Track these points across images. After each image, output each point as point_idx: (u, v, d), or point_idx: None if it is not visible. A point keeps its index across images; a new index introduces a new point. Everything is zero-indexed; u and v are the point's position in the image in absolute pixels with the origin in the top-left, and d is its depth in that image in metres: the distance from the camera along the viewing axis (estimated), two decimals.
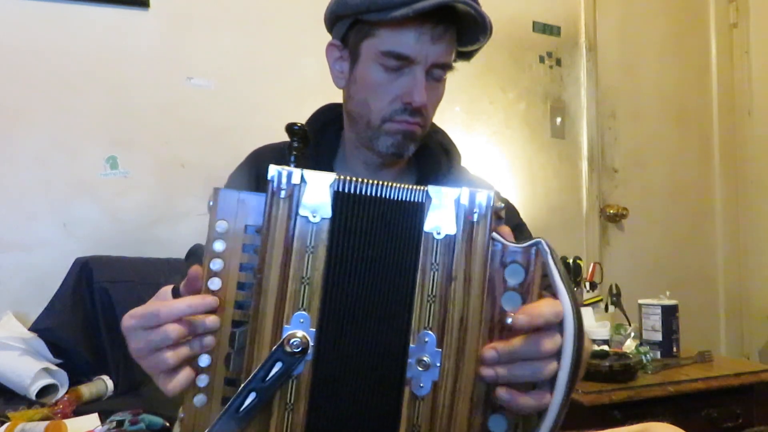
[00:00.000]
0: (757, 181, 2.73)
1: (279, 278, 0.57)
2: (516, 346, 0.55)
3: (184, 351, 0.57)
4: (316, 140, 0.96)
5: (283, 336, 0.56)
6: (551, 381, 0.54)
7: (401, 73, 0.85)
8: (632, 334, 1.88)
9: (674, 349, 1.83)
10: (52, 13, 1.76)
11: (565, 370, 0.53)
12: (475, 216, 0.57)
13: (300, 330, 0.57)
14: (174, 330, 0.56)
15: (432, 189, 0.58)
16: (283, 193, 0.57)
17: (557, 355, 0.54)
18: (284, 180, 0.57)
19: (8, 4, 1.72)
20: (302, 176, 0.58)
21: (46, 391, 1.41)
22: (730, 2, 2.80)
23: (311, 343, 0.57)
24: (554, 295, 0.55)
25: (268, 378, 0.56)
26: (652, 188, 2.64)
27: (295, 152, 0.62)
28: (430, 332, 0.57)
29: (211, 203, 0.59)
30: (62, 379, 1.45)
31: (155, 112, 1.86)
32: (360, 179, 0.59)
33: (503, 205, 0.59)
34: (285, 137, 1.01)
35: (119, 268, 1.67)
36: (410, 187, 0.59)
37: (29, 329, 1.55)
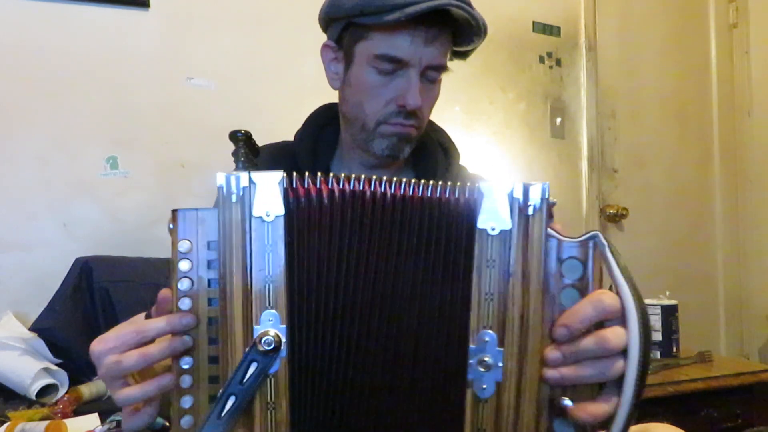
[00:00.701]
0: (757, 181, 2.73)
1: (242, 280, 0.57)
2: (580, 344, 0.52)
3: (159, 380, 0.58)
4: (313, 140, 0.96)
5: (255, 336, 0.56)
6: (618, 382, 0.52)
7: (395, 75, 0.85)
8: None
9: (674, 349, 1.83)
10: (52, 13, 1.76)
11: (633, 367, 0.51)
12: (530, 209, 0.55)
13: (271, 328, 0.56)
14: (155, 351, 0.57)
15: (484, 185, 0.56)
16: (234, 198, 0.57)
17: (624, 353, 0.52)
18: (233, 184, 0.57)
19: (8, 4, 1.72)
20: (250, 178, 0.58)
21: (46, 391, 1.41)
22: (730, 2, 2.80)
23: (284, 340, 0.56)
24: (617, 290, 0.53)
25: (245, 380, 0.55)
26: (652, 188, 2.63)
27: (242, 158, 0.62)
28: (489, 331, 0.55)
29: (171, 226, 0.58)
30: (62, 379, 1.45)
31: (155, 112, 1.86)
32: (311, 175, 0.59)
33: (555, 201, 0.58)
34: (285, 137, 1.02)
35: (119, 268, 1.67)
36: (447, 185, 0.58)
37: (29, 329, 1.55)
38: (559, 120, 2.46)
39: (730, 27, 2.81)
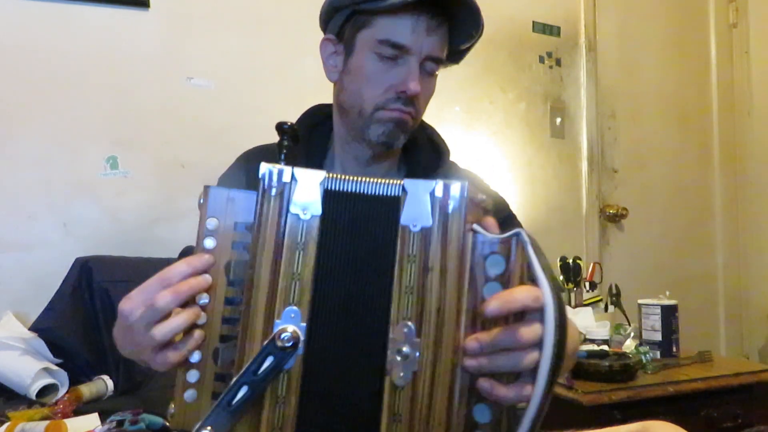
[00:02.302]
0: (757, 181, 2.73)
1: (270, 274, 0.58)
2: (496, 336, 0.55)
3: (179, 321, 0.58)
4: (306, 139, 0.97)
5: (274, 331, 0.57)
6: (534, 372, 0.54)
7: (396, 63, 0.86)
8: (632, 334, 1.88)
9: (674, 349, 1.83)
10: (52, 13, 1.76)
11: (546, 359, 0.53)
12: (450, 207, 0.57)
13: (291, 325, 0.57)
14: (175, 295, 0.58)
15: (408, 182, 0.58)
16: (273, 191, 0.58)
17: (539, 345, 0.54)
18: (275, 178, 0.58)
19: (8, 4, 1.72)
20: (293, 174, 0.58)
21: (46, 390, 1.41)
22: (730, 2, 2.80)
23: (302, 338, 0.57)
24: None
25: (259, 372, 0.56)
26: (652, 188, 2.64)
27: (285, 150, 0.63)
28: (408, 323, 0.57)
29: (201, 201, 0.59)
30: (62, 379, 1.45)
31: (155, 112, 1.86)
32: (348, 177, 0.60)
33: (484, 197, 0.59)
34: None
35: (119, 268, 1.67)
36: (387, 181, 0.59)
37: (29, 329, 1.55)
38: (559, 120, 2.46)
39: (730, 27, 2.81)
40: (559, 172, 2.45)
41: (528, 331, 0.54)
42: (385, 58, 0.86)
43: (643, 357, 1.67)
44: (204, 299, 0.59)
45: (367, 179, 0.60)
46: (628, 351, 1.71)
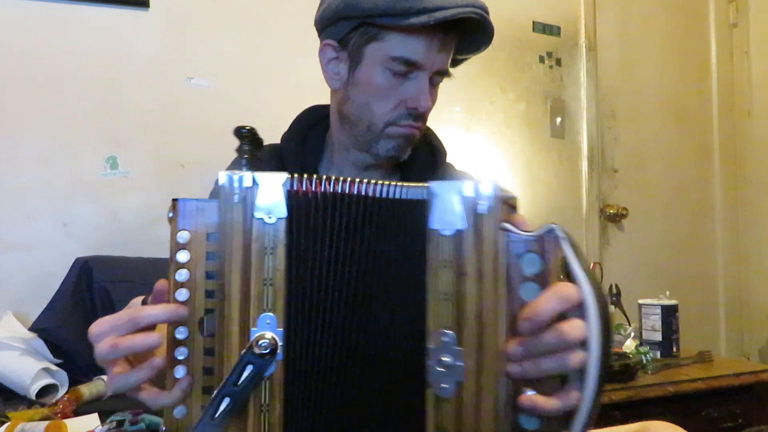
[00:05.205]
0: (757, 181, 2.73)
1: (241, 282, 0.56)
2: (540, 338, 0.52)
3: (157, 361, 0.57)
4: (301, 142, 0.96)
5: (251, 338, 0.56)
6: (580, 374, 0.52)
7: (407, 78, 0.85)
8: (632, 334, 1.88)
9: (674, 349, 1.83)
10: (52, 13, 1.76)
11: (594, 357, 0.51)
12: (481, 207, 0.55)
13: (268, 331, 0.56)
14: (150, 337, 0.56)
15: (436, 185, 0.56)
16: (236, 198, 0.57)
17: (584, 344, 0.52)
18: (236, 184, 0.57)
19: (8, 4, 1.72)
20: (254, 178, 0.57)
21: (46, 391, 1.41)
22: (730, 2, 2.80)
23: (280, 343, 0.56)
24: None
25: (240, 382, 0.55)
26: (652, 188, 2.64)
27: (246, 155, 0.62)
28: (447, 331, 0.55)
29: (170, 215, 0.58)
30: (62, 379, 1.45)
31: (155, 112, 1.86)
32: (314, 177, 0.58)
33: (514, 194, 0.57)
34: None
35: (119, 268, 1.66)
36: (408, 185, 0.58)
37: (29, 329, 1.55)
38: (559, 120, 2.46)
39: (730, 27, 2.81)
40: (559, 172, 2.45)
41: (571, 329, 0.52)
42: (396, 73, 0.85)
43: (643, 357, 1.67)
44: (180, 354, 0.57)
45: (378, 182, 0.59)
46: (628, 351, 1.71)
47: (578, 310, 0.52)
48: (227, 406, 0.55)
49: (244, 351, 0.56)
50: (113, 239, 1.77)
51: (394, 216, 0.58)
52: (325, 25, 0.90)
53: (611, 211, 2.52)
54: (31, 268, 1.71)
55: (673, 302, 1.84)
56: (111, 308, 1.59)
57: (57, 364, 1.47)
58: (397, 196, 0.58)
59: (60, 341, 1.52)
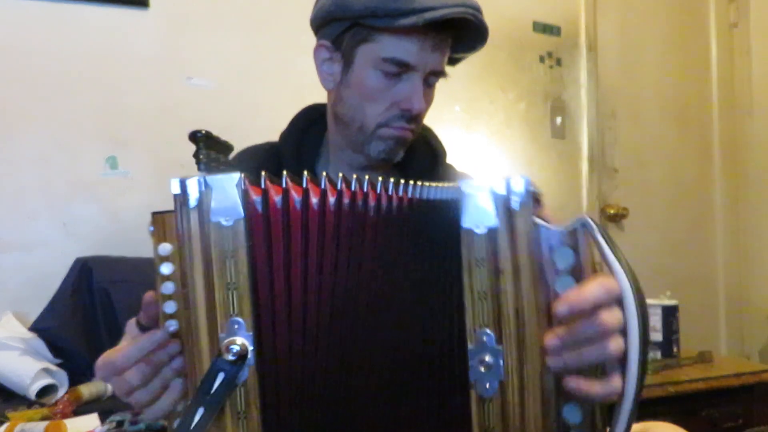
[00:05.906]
0: (757, 181, 2.73)
1: (205, 288, 0.56)
2: (575, 327, 0.52)
3: (155, 384, 0.59)
4: (298, 141, 0.96)
5: (221, 345, 0.55)
6: (621, 362, 0.51)
7: (399, 79, 0.84)
8: None
9: (674, 350, 1.83)
10: (52, 12, 1.76)
11: (634, 343, 0.50)
12: (514, 204, 0.54)
13: (237, 337, 0.55)
14: (134, 376, 0.58)
15: (466, 184, 0.55)
16: (191, 203, 0.56)
17: (623, 331, 0.51)
18: (189, 190, 0.57)
19: (7, 4, 1.72)
20: (205, 182, 0.56)
21: (46, 391, 1.41)
22: (730, 2, 2.80)
23: (250, 347, 0.55)
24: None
25: (213, 391, 0.54)
26: (652, 188, 2.63)
27: (202, 159, 0.61)
28: (487, 330, 0.54)
29: (151, 228, 0.58)
30: (62, 379, 1.45)
31: (155, 112, 1.86)
32: (273, 176, 0.58)
33: (540, 190, 0.57)
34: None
35: (119, 268, 1.66)
36: (435, 186, 0.57)
37: (29, 329, 1.55)
38: (559, 120, 2.46)
39: (730, 26, 2.81)
40: (559, 172, 2.45)
41: (609, 316, 0.51)
42: (388, 74, 0.84)
43: None
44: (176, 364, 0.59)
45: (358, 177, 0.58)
46: None
47: (612, 300, 0.52)
48: (202, 416, 0.54)
49: (214, 358, 0.55)
50: (113, 239, 1.77)
51: (420, 218, 0.57)
52: (318, 25, 0.90)
53: (611, 211, 2.52)
54: (30, 268, 1.71)
55: (673, 302, 1.84)
56: (111, 308, 1.59)
57: (57, 364, 1.47)
58: (428, 196, 0.57)
59: (60, 341, 1.52)
